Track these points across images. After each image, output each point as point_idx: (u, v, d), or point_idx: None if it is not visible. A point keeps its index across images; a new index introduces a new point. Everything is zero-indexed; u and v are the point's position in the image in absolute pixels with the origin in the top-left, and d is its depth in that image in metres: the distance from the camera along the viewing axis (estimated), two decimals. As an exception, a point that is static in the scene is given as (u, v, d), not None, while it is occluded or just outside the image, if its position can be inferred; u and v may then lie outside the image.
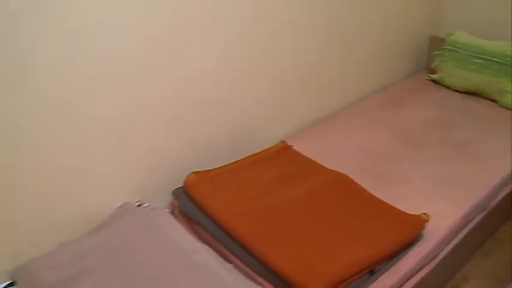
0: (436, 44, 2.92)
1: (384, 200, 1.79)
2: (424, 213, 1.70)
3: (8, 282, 1.66)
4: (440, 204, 1.84)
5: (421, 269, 1.66)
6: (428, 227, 1.70)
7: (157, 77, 1.78)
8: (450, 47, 2.77)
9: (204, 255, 1.55)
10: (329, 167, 1.96)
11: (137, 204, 1.82)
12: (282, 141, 2.10)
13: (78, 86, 1.59)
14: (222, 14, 1.87)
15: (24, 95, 1.47)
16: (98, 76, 1.62)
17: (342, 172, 1.92)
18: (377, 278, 1.54)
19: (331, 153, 2.13)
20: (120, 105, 1.72)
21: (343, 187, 1.83)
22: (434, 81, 2.85)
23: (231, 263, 1.59)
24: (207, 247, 1.61)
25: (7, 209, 1.61)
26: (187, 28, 1.79)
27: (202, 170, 1.87)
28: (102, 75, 1.63)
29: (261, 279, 1.53)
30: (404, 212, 1.72)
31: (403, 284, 1.60)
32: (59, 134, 1.61)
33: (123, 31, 1.63)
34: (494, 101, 2.62)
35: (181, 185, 1.85)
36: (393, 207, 1.74)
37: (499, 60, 2.58)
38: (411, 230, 1.65)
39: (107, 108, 1.69)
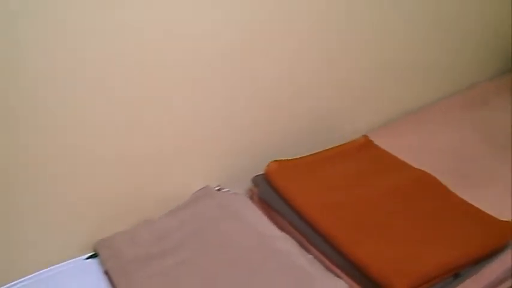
0: (529, 42, 2.77)
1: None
2: (515, 220, 1.62)
3: (90, 254, 1.72)
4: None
5: (508, 278, 1.58)
6: (520, 235, 1.61)
7: (241, 73, 1.80)
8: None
9: (285, 243, 1.54)
10: (412, 165, 1.90)
11: (217, 188, 1.83)
12: (364, 136, 2.06)
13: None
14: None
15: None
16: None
17: (426, 171, 1.85)
18: (462, 282, 1.48)
19: (413, 151, 2.05)
20: (201, 95, 1.75)
21: (429, 186, 1.77)
22: (524, 83, 2.71)
23: (310, 254, 1.57)
24: (287, 236, 1.60)
25: (92, 184, 1.67)
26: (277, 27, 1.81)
27: (283, 159, 1.85)
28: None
29: (340, 273, 1.51)
30: (493, 217, 1.63)
31: (488, 292, 1.53)
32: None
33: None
34: None
35: (260, 172, 1.85)
36: (481, 211, 1.66)
37: None
38: (501, 235, 1.56)
39: (195, 95, 1.73)
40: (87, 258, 1.72)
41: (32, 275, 1.66)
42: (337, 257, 1.53)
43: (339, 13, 1.96)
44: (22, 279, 1.65)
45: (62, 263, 1.70)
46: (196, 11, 1.60)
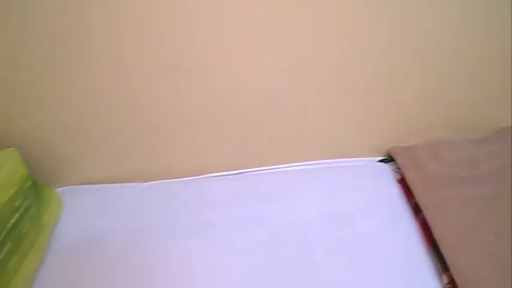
0: None
1: None
2: None
3: (383, 158, 1.81)
4: None
5: None
6: None
7: None
8: None
9: None
10: None
11: (525, 129, 1.77)
12: None
13: None
14: None
15: None
16: None
17: None
18: None
19: None
20: None
21: None
22: None
23: None
24: None
25: (397, 96, 1.72)
26: None
27: None
28: None
29: None
30: None
31: None
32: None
33: None
34: None
35: None
36: None
37: None
38: None
39: None
40: (379, 161, 1.81)
41: (329, 161, 1.83)
42: None
43: None
44: (321, 161, 1.83)
45: (355, 159, 1.83)
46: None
